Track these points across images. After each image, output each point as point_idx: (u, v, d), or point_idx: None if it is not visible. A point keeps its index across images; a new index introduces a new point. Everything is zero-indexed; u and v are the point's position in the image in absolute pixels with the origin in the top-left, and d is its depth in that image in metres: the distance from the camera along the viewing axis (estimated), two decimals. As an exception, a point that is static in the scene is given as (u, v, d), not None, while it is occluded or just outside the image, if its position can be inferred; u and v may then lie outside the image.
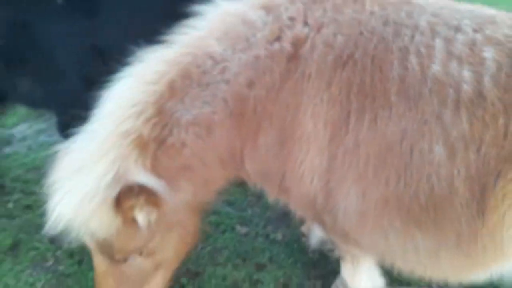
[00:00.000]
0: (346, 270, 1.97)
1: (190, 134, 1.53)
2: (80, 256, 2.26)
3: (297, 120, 1.51)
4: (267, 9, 1.56)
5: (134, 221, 1.46)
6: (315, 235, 2.22)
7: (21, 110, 2.86)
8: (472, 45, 1.38)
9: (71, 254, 2.28)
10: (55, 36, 2.01)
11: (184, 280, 2.10)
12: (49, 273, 2.19)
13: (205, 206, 1.80)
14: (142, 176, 1.44)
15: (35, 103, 2.31)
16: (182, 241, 1.72)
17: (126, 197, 1.40)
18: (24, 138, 3.19)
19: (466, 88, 1.34)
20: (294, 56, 1.50)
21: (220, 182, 1.74)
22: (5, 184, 2.73)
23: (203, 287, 2.11)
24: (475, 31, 1.39)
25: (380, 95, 1.42)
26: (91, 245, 1.60)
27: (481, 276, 1.59)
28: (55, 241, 2.37)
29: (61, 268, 2.22)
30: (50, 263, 2.25)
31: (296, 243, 2.32)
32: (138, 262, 1.65)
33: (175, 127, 1.51)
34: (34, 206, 2.63)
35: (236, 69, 1.51)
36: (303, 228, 2.34)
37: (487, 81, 1.32)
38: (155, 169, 1.48)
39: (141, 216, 1.45)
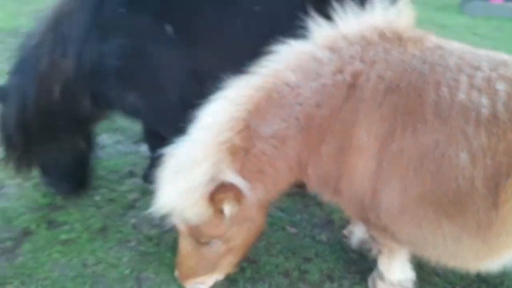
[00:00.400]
0: (382, 263, 2.32)
1: (269, 145, 1.96)
2: (157, 241, 2.71)
3: (354, 133, 1.90)
4: (332, 49, 1.97)
5: (221, 212, 1.91)
6: (356, 236, 2.64)
7: (103, 123, 3.42)
8: (488, 80, 1.77)
9: (150, 238, 2.73)
10: (161, 60, 2.58)
11: (244, 264, 2.52)
12: (133, 251, 2.63)
13: (269, 205, 2.27)
14: (232, 177, 1.86)
15: (134, 113, 2.85)
16: (250, 232, 2.15)
17: (219, 192, 1.84)
18: (104, 147, 3.74)
19: (484, 111, 1.74)
20: (352, 85, 1.90)
21: (285, 185, 2.15)
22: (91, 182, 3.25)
23: (259, 272, 2.51)
24: (491, 70, 1.80)
25: (418, 114, 1.84)
26: (182, 229, 2.06)
27: (495, 264, 1.95)
28: (137, 227, 2.86)
29: (142, 248, 2.66)
30: (133, 243, 2.69)
31: (338, 244, 2.70)
32: (216, 247, 2.09)
33: (258, 139, 1.94)
34: (117, 200, 3.13)
35: (307, 94, 1.93)
36: (345, 231, 2.74)
37: (499, 106, 1.75)
38: (241, 172, 1.91)
39: (228, 208, 1.88)
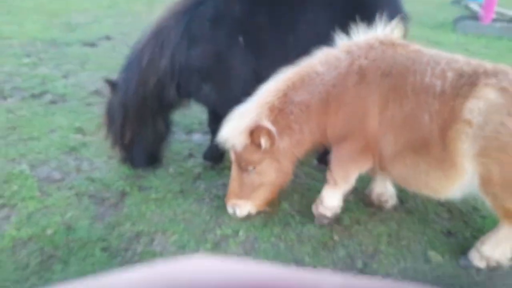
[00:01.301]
0: (326, 190, 3.21)
1: (297, 109, 2.92)
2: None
3: (362, 103, 2.83)
4: (347, 52, 2.92)
5: (258, 144, 2.86)
6: (375, 192, 3.51)
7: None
8: (443, 71, 2.64)
9: (219, 196, 3.60)
10: (233, 62, 3.49)
11: (293, 213, 3.39)
12: (208, 205, 3.47)
13: (296, 160, 3.16)
14: (267, 123, 2.83)
15: (206, 102, 3.74)
16: (278, 174, 3.08)
17: (257, 129, 2.80)
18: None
19: (438, 89, 2.61)
20: (359, 73, 2.84)
21: (308, 145, 3.09)
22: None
23: (307, 216, 3.38)
24: (446, 64, 2.67)
25: (403, 91, 2.71)
26: (232, 156, 3.04)
27: (456, 192, 2.72)
28: (207, 190, 3.73)
29: (215, 203, 3.52)
30: (207, 200, 3.54)
31: (361, 201, 3.60)
32: (252, 176, 3.04)
33: (290, 104, 2.91)
34: (186, 173, 3.99)
35: (328, 79, 2.89)
36: (366, 191, 3.62)
37: (447, 86, 2.58)
38: (274, 123, 2.86)
39: (263, 140, 2.83)
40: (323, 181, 3.42)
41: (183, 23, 3.42)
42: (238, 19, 3.43)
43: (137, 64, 3.51)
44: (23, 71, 6.78)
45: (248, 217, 3.22)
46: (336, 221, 3.28)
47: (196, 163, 4.18)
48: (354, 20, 3.05)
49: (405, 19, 3.64)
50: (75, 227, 3.14)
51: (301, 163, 4.11)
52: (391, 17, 3.16)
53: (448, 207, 3.54)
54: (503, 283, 2.75)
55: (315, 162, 4.16)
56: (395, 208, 3.48)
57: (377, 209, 3.46)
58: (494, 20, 10.17)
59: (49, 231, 3.08)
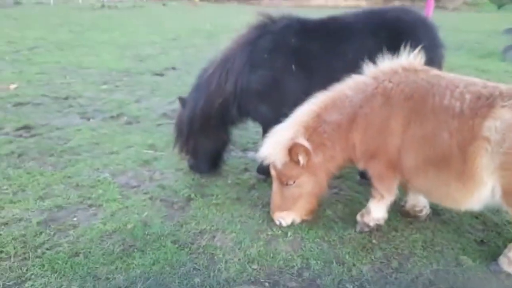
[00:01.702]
0: (372, 203, 3.54)
1: (329, 128, 3.35)
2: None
3: (387, 122, 3.21)
4: (373, 78, 3.34)
5: (296, 161, 3.29)
6: (409, 203, 3.83)
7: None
8: (461, 93, 2.99)
9: (271, 204, 4.09)
10: (287, 86, 4.03)
11: (336, 219, 3.79)
12: (261, 210, 3.97)
13: (331, 173, 3.56)
14: (304, 141, 3.26)
15: (262, 120, 4.30)
16: (315, 186, 3.49)
17: (295, 147, 3.24)
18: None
19: (457, 109, 2.94)
20: (384, 95, 3.23)
21: (340, 160, 3.49)
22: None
23: (349, 222, 3.77)
24: (464, 87, 3.01)
25: (423, 113, 3.08)
26: (273, 173, 3.50)
27: (475, 203, 3.00)
28: (260, 198, 4.23)
29: (266, 209, 4.01)
30: (260, 206, 4.05)
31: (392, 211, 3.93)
32: (292, 189, 3.47)
33: (323, 123, 3.35)
34: (242, 183, 4.53)
35: (356, 101, 3.31)
36: (402, 203, 3.95)
37: (465, 107, 2.92)
38: (310, 140, 3.29)
39: (301, 157, 3.27)
40: (364, 193, 3.82)
41: (246, 53, 4.04)
42: (292, 50, 4.00)
43: (206, 86, 4.17)
44: (102, 96, 7.77)
45: (292, 225, 3.66)
46: (375, 229, 3.64)
47: (251, 176, 4.71)
48: (394, 48, 3.47)
49: (441, 49, 4.04)
50: (150, 224, 3.74)
51: (345, 178, 4.55)
52: (428, 46, 3.59)
53: (483, 219, 3.79)
54: (442, 255, 2.99)
55: (357, 178, 4.56)
56: (430, 218, 3.80)
57: (413, 219, 3.79)
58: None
59: (129, 226, 3.70)
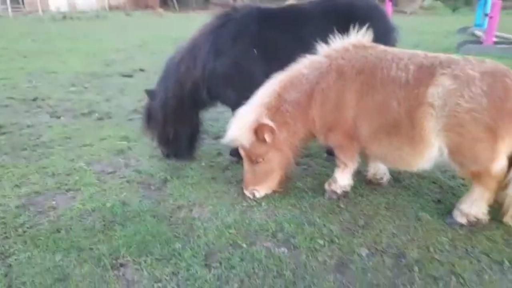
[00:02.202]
0: (337, 172, 3.83)
1: (290, 106, 3.60)
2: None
3: (342, 95, 3.48)
4: (327, 56, 3.60)
5: (263, 140, 3.53)
6: (370, 172, 4.14)
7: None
8: (406, 64, 3.28)
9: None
10: (249, 69, 4.26)
11: (306, 190, 4.04)
12: (236, 186, 4.19)
13: (295, 147, 3.79)
14: (268, 121, 3.52)
15: (229, 102, 4.52)
16: (282, 160, 3.75)
17: (261, 127, 3.48)
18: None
19: (403, 80, 3.24)
20: (338, 71, 3.51)
21: (302, 135, 3.75)
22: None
23: (319, 193, 4.02)
24: (408, 59, 3.31)
25: (374, 84, 3.36)
26: (242, 152, 3.72)
27: (425, 163, 3.31)
28: (234, 176, 4.43)
29: (240, 185, 4.22)
30: (234, 183, 4.27)
31: (356, 177, 4.22)
32: (261, 165, 3.73)
33: (284, 102, 3.59)
34: (216, 166, 4.71)
35: (312, 78, 3.57)
36: (366, 171, 4.25)
37: (410, 77, 3.22)
38: (273, 120, 3.55)
39: (267, 136, 3.51)
40: (331, 168, 4.08)
41: (210, 40, 4.27)
42: (253, 36, 4.27)
43: (175, 73, 4.36)
44: (70, 97, 7.80)
45: (265, 197, 3.89)
46: (342, 196, 3.91)
47: (224, 159, 4.92)
48: (346, 29, 3.77)
49: (394, 32, 4.41)
50: (129, 203, 3.87)
51: (313, 156, 4.83)
52: (380, 30, 3.93)
53: (439, 184, 4.14)
54: (482, 234, 3.32)
55: (324, 155, 4.85)
56: (392, 185, 4.11)
57: (377, 186, 4.09)
58: (496, 43, 10.84)
59: (108, 205, 3.82)
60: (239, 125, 3.62)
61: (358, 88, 3.44)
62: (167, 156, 4.78)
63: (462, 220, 3.39)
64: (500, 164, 3.14)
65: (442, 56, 3.31)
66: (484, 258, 3.03)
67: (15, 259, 3.08)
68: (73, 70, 10.24)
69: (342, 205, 3.79)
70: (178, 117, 4.51)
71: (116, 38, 18.19)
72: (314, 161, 4.79)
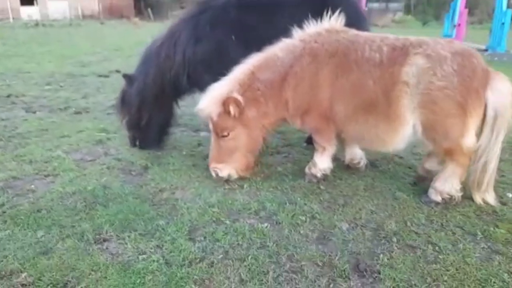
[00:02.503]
0: (316, 157, 3.94)
1: (262, 85, 3.70)
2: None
3: (316, 78, 3.60)
4: (301, 40, 3.73)
5: (228, 112, 3.60)
6: (347, 157, 4.27)
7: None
8: (379, 46, 3.45)
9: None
10: (228, 55, 4.31)
11: (289, 175, 4.13)
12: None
13: (265, 130, 3.88)
14: (236, 95, 3.62)
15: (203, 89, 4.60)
16: (249, 140, 3.81)
17: (227, 99, 3.56)
18: (176, 133, 5.42)
19: (377, 60, 3.40)
20: (311, 54, 3.63)
21: (273, 118, 3.83)
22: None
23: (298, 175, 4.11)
24: (381, 41, 3.48)
25: (348, 65, 3.50)
26: (210, 125, 3.78)
27: (399, 143, 3.47)
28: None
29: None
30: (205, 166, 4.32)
31: (335, 161, 4.35)
32: (227, 141, 3.78)
33: (257, 81, 3.69)
34: (196, 155, 4.75)
35: (286, 61, 3.67)
36: (342, 156, 4.37)
37: (384, 57, 3.38)
38: (244, 96, 3.63)
39: (232, 108, 3.59)
40: (310, 155, 4.18)
41: (190, 26, 4.36)
42: (231, 23, 4.37)
43: (155, 59, 4.40)
44: (46, 94, 7.70)
45: (228, 180, 3.93)
46: (322, 179, 4.01)
47: (204, 149, 4.94)
48: (320, 16, 3.90)
49: (365, 22, 4.60)
50: (110, 186, 3.86)
51: (293, 145, 4.93)
52: (352, 19, 4.10)
53: (414, 169, 4.30)
54: (455, 210, 3.47)
55: (304, 144, 4.97)
56: (370, 169, 4.25)
57: (355, 170, 4.22)
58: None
59: (89, 188, 3.80)
60: (210, 96, 3.68)
61: (332, 69, 3.56)
62: (134, 144, 4.76)
63: (437, 197, 3.54)
64: (470, 139, 3.33)
65: (412, 37, 3.49)
66: (458, 231, 3.17)
67: (-6, 237, 3.02)
68: (48, 70, 10.09)
69: (322, 187, 3.89)
70: (155, 104, 4.54)
71: (91, 43, 18.03)
72: (294, 149, 4.90)
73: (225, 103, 3.58)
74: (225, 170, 3.85)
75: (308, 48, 3.65)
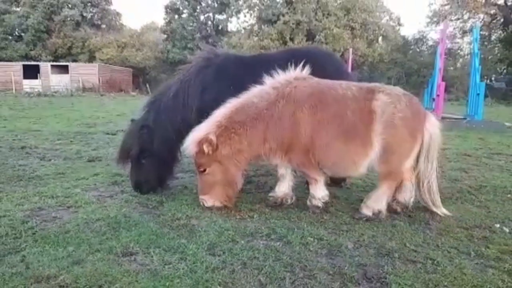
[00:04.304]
0: (312, 189, 4.38)
1: (236, 125, 4.17)
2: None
3: (294, 116, 4.10)
4: (274, 88, 4.26)
5: (203, 151, 4.05)
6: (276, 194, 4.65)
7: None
8: (347, 87, 4.17)
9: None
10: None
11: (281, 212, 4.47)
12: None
13: (240, 167, 4.32)
14: (213, 136, 4.04)
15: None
16: (224, 175, 4.24)
17: (202, 140, 4.05)
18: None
19: (351, 95, 4.07)
20: (285, 98, 4.16)
21: (247, 154, 4.27)
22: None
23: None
24: (345, 85, 4.24)
25: (326, 101, 4.10)
26: (194, 162, 4.27)
27: (365, 169, 4.14)
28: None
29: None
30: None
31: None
32: (205, 176, 4.25)
33: (232, 122, 4.16)
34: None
35: (261, 105, 4.18)
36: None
37: (355, 92, 4.09)
38: (219, 136, 4.10)
39: (205, 147, 4.04)
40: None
41: (198, 79, 4.97)
42: (231, 76, 5.00)
43: (173, 108, 4.91)
44: (58, 147, 8.11)
45: (212, 208, 4.31)
46: (324, 207, 4.38)
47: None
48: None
49: (345, 74, 5.25)
50: (130, 216, 4.15)
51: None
52: (333, 72, 4.75)
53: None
54: (448, 235, 3.82)
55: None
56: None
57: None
58: (443, 118, 12.29)
59: (111, 215, 4.10)
60: (191, 137, 4.17)
61: (312, 105, 4.12)
62: (137, 187, 5.04)
63: (368, 212, 4.17)
64: (409, 163, 4.21)
65: (371, 84, 4.31)
66: (453, 250, 3.50)
67: (28, 252, 3.27)
68: (57, 129, 10.58)
69: (325, 217, 4.23)
70: (174, 147, 4.97)
71: (94, 109, 18.80)
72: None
73: (200, 142, 4.07)
74: (209, 201, 4.31)
75: (281, 94, 4.21)
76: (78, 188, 5.14)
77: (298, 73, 4.35)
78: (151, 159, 4.96)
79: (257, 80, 4.82)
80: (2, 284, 2.75)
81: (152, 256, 3.23)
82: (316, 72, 4.52)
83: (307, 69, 4.41)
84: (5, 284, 2.76)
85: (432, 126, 4.23)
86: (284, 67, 4.78)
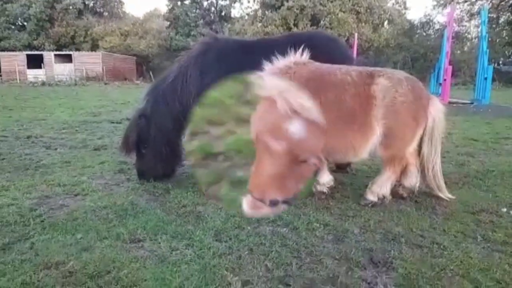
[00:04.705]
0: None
1: None
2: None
3: None
4: (274, 73, 4.21)
5: None
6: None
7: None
8: (346, 71, 4.03)
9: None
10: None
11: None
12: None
13: None
14: None
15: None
16: None
17: None
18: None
19: (350, 80, 3.97)
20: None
21: None
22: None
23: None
24: (344, 69, 4.12)
25: (325, 85, 3.99)
26: None
27: (366, 153, 4.02)
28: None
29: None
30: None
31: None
32: None
33: None
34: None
35: None
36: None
37: (354, 77, 3.98)
38: None
39: None
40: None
41: (197, 64, 4.95)
42: (230, 60, 4.96)
43: (172, 94, 4.90)
44: (63, 136, 8.13)
45: None
46: (329, 192, 4.38)
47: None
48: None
49: (350, 59, 5.19)
50: (137, 203, 4.18)
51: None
52: (337, 57, 4.68)
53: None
54: (455, 220, 3.81)
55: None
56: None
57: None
58: (450, 103, 12.17)
59: (118, 203, 4.13)
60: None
61: (311, 90, 3.96)
62: (143, 176, 5.04)
63: (373, 197, 4.16)
64: (412, 148, 4.17)
65: (370, 68, 4.21)
66: (460, 235, 3.50)
67: (36, 239, 3.30)
68: (62, 119, 10.62)
69: (331, 203, 4.23)
70: (180, 133, 4.97)
71: (98, 98, 18.82)
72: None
73: None
74: None
75: (290, 72, 4.16)
76: (85, 176, 5.16)
77: (297, 58, 4.29)
78: (151, 148, 4.96)
79: (258, 65, 4.80)
80: (12, 271, 2.79)
81: (159, 243, 3.25)
82: (320, 57, 4.47)
83: (306, 54, 4.33)
84: (15, 271, 2.79)
85: (436, 110, 4.18)
86: (285, 52, 4.73)
